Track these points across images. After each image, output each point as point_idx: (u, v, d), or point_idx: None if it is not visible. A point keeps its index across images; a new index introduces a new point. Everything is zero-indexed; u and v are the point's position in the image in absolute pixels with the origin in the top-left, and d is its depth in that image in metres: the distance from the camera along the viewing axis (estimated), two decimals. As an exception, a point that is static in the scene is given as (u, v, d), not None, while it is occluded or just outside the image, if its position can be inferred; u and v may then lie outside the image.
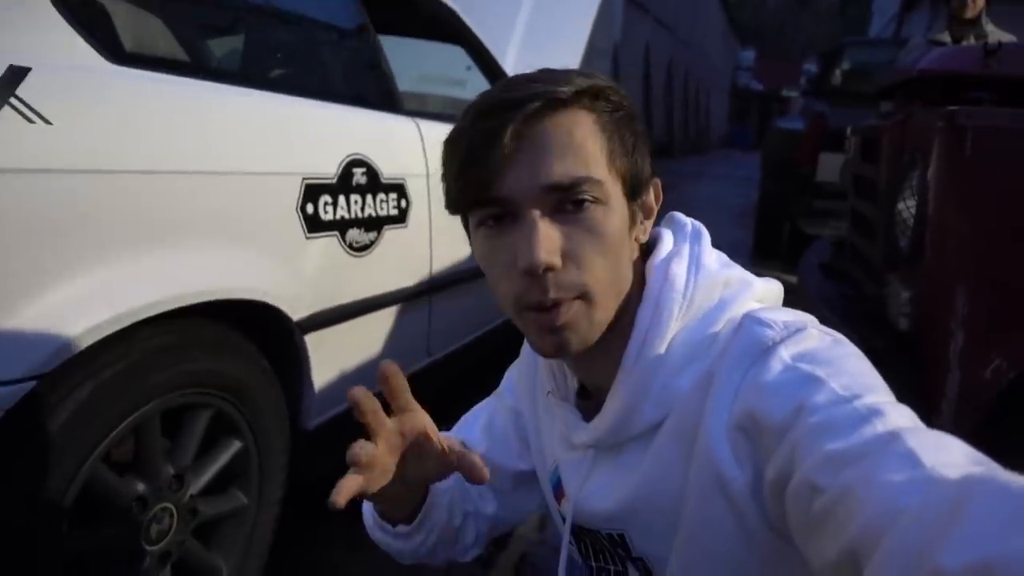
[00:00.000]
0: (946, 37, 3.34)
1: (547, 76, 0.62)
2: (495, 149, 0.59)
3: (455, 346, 2.23)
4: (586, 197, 0.60)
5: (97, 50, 1.10)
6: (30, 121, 0.94)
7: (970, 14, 3.34)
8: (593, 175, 0.60)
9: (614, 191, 0.63)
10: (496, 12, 3.42)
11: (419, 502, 0.74)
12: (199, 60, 1.51)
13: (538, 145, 0.59)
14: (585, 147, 0.60)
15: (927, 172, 1.46)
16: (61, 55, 1.05)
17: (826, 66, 6.07)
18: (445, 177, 0.66)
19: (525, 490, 0.90)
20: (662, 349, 0.65)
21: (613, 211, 0.62)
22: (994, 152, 1.39)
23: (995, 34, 3.28)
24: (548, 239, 0.59)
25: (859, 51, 6.12)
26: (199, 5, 1.55)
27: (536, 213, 0.60)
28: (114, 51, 1.14)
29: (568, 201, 0.60)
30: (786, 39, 43.80)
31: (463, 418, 0.95)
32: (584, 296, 0.61)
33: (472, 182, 0.61)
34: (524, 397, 0.87)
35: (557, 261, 0.59)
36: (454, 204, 0.66)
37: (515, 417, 0.90)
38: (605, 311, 0.64)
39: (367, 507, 0.79)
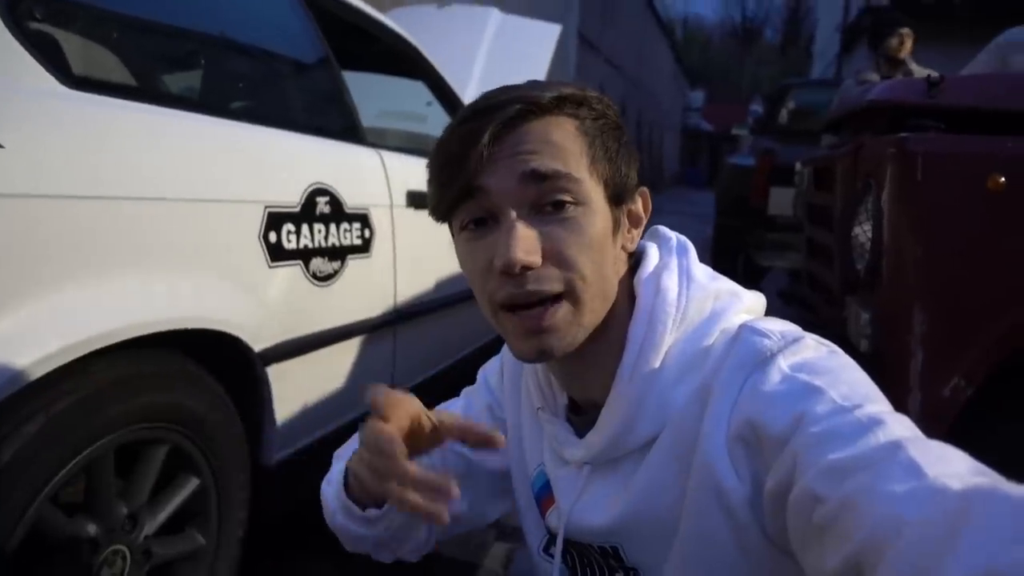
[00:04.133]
0: (875, 76, 3.52)
1: (532, 84, 0.64)
2: (474, 149, 0.59)
3: (420, 378, 2.19)
4: (565, 198, 0.60)
5: (53, 74, 1.07)
6: (-19, 143, 0.90)
7: (903, 54, 3.54)
8: (572, 172, 0.61)
9: (595, 194, 0.63)
10: (456, 49, 3.46)
11: None
12: (159, 88, 1.49)
13: (516, 144, 0.60)
14: (564, 147, 0.61)
15: (881, 197, 1.51)
16: (16, 78, 1.02)
17: (771, 106, 6.31)
18: (428, 184, 0.66)
19: (498, 491, 0.88)
20: (657, 362, 0.64)
21: (594, 213, 0.62)
22: (943, 176, 1.45)
23: (919, 72, 3.48)
24: (526, 238, 0.59)
25: (803, 92, 6.39)
26: (161, 34, 1.53)
27: (514, 213, 0.60)
28: (71, 76, 1.11)
29: (547, 202, 0.60)
30: (732, 81, 45.48)
31: (436, 409, 0.91)
32: (568, 295, 0.61)
33: (451, 181, 0.62)
34: (507, 404, 0.86)
35: (536, 260, 0.59)
36: (436, 208, 0.66)
37: (490, 413, 0.88)
38: (591, 314, 0.63)
39: (329, 489, 0.74)
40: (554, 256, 0.60)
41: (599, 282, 0.63)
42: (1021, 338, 1.41)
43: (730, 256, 5.81)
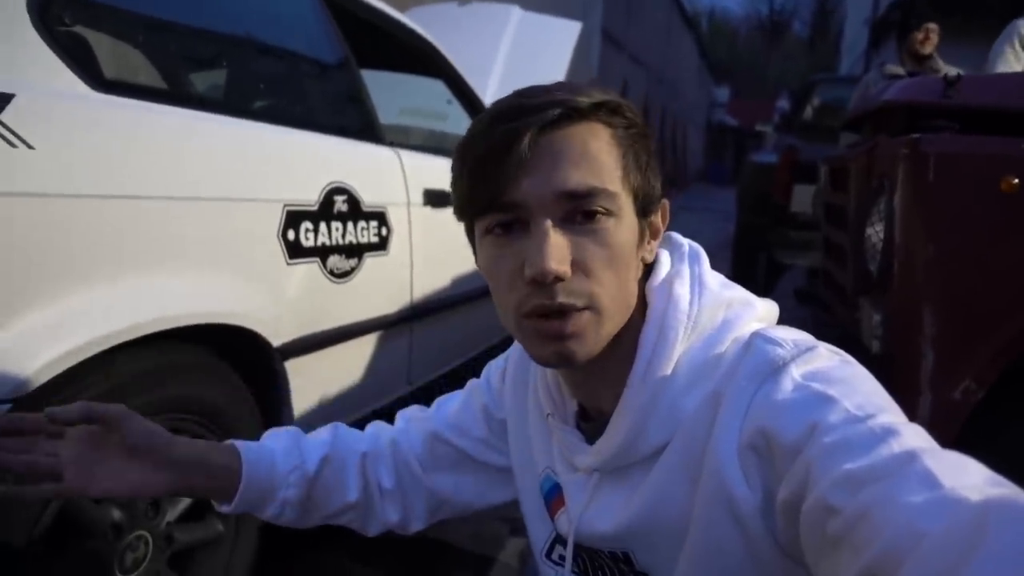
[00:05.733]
0: (900, 70, 3.47)
1: (566, 87, 0.62)
2: (512, 154, 0.58)
3: (436, 374, 2.22)
4: (598, 209, 0.60)
5: (80, 77, 1.11)
6: (12, 146, 0.94)
7: (928, 50, 3.49)
8: (608, 187, 0.60)
9: (626, 205, 0.62)
10: (476, 48, 3.47)
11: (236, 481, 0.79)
12: (182, 89, 1.53)
13: (554, 153, 0.59)
14: (600, 159, 0.60)
15: (893, 198, 1.51)
16: (44, 81, 1.06)
17: (798, 102, 6.23)
18: (456, 181, 0.65)
19: (490, 484, 0.91)
20: (668, 370, 0.64)
21: (624, 225, 0.62)
22: (956, 177, 1.44)
23: (944, 69, 3.42)
24: (558, 248, 0.58)
25: (830, 87, 6.29)
26: (183, 36, 1.57)
27: (548, 222, 0.59)
28: (97, 78, 1.15)
29: (579, 212, 0.60)
30: (758, 76, 44.92)
31: (437, 401, 0.96)
32: (592, 307, 0.61)
33: (485, 186, 0.60)
34: (508, 404, 0.87)
35: (567, 270, 0.59)
36: (463, 209, 0.66)
37: (485, 413, 0.90)
38: (611, 324, 0.63)
39: None
40: (582, 268, 0.60)
41: (621, 296, 0.63)
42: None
43: (752, 254, 5.76)
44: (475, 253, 0.69)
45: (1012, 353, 1.39)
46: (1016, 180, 1.37)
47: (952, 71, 3.26)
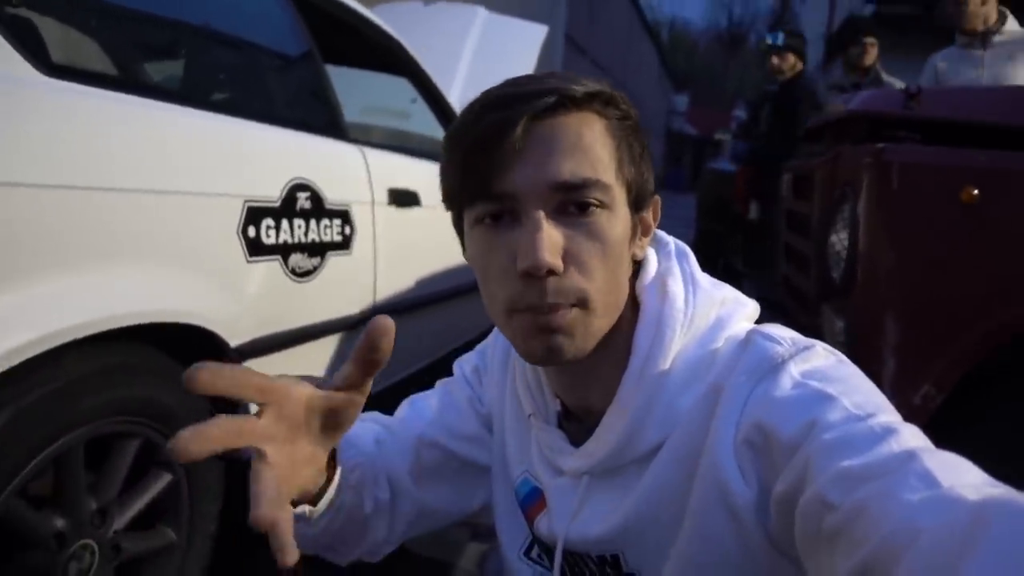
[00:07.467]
0: (845, 82, 3.62)
1: (559, 75, 0.61)
2: (504, 142, 0.56)
3: (399, 376, 2.19)
4: (592, 201, 0.58)
5: (28, 60, 1.05)
6: (-47, 129, 0.89)
7: (867, 62, 3.66)
8: (602, 178, 0.59)
9: (619, 198, 0.61)
10: (441, 47, 3.45)
11: (324, 482, 0.64)
12: (139, 77, 1.47)
13: (548, 142, 0.58)
14: (595, 149, 0.59)
15: (857, 206, 1.53)
16: (-10, 63, 1.00)
17: (754, 112, 6.36)
18: (445, 170, 0.63)
19: (474, 484, 0.84)
20: (665, 367, 0.63)
21: (617, 218, 0.61)
22: (918, 186, 1.47)
23: (888, 80, 3.61)
24: (551, 240, 0.57)
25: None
26: (142, 22, 1.51)
27: (540, 213, 0.57)
28: (49, 63, 1.09)
29: (573, 203, 0.58)
30: (717, 85, 45.77)
31: (408, 401, 0.86)
32: (582, 303, 0.59)
33: (476, 174, 0.59)
34: (490, 401, 0.84)
35: (559, 263, 0.57)
36: (452, 198, 0.64)
37: (471, 406, 0.84)
38: (602, 321, 0.62)
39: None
40: (575, 261, 0.59)
41: (613, 291, 0.62)
42: (991, 348, 1.43)
43: (711, 260, 5.86)
44: (463, 244, 0.67)
45: (971, 360, 1.43)
46: (976, 191, 1.40)
47: (896, 83, 3.41)
